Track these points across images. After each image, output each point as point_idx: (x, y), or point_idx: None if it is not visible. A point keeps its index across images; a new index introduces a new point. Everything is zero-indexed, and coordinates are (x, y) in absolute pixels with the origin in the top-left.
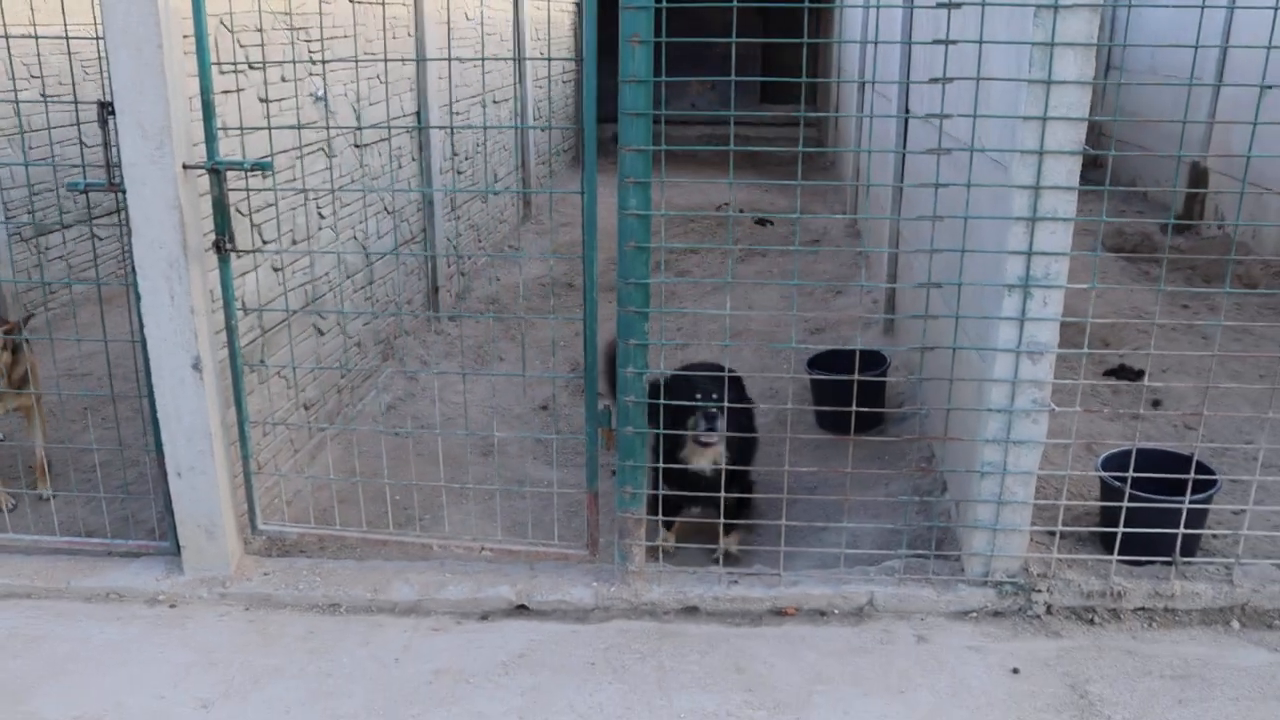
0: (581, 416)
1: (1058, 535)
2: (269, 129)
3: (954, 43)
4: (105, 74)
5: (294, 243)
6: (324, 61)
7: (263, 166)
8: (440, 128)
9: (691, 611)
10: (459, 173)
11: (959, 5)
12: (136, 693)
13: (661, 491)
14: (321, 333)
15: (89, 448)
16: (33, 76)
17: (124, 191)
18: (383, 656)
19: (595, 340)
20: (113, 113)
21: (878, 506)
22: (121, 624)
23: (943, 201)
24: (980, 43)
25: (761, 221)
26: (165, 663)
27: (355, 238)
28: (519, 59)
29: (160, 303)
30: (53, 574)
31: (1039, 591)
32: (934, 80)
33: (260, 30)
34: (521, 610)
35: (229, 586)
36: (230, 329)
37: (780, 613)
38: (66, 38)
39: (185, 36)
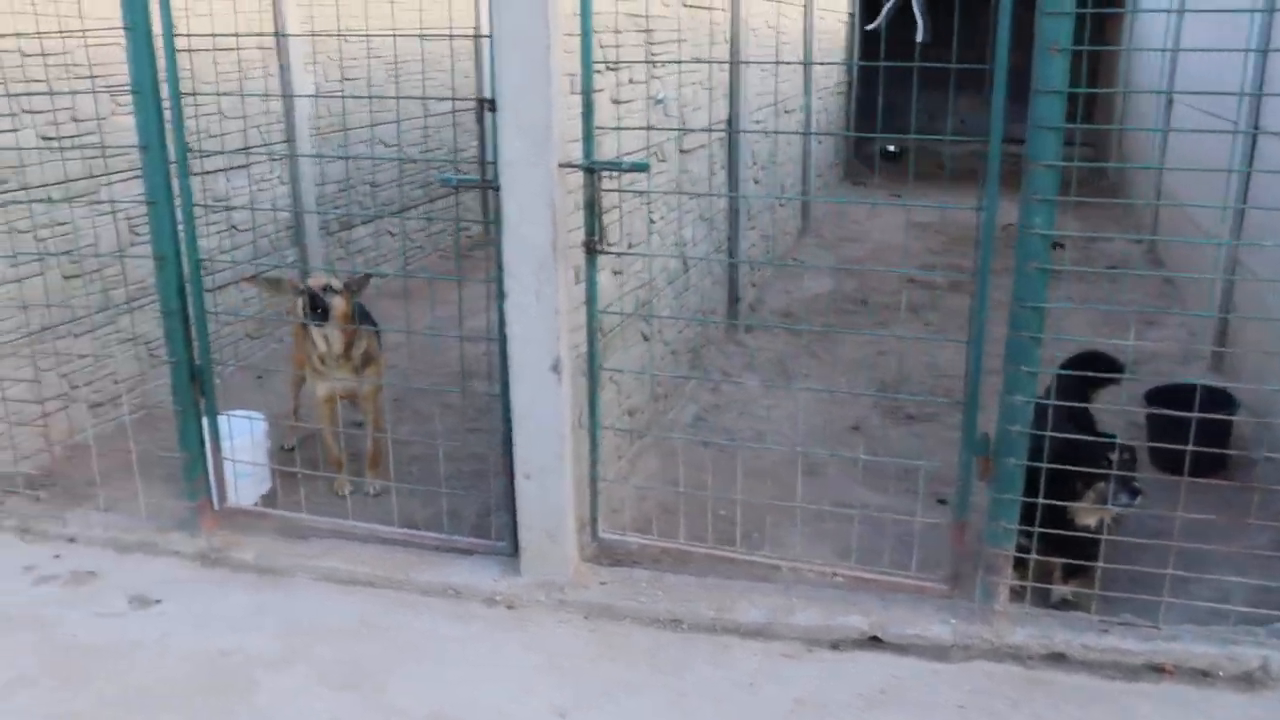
0: (894, 440)
1: None
2: (645, 129)
3: None
4: (452, 70)
5: (630, 246)
6: (679, 63)
7: (640, 167)
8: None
9: (1057, 659)
10: (756, 181)
11: None
12: (488, 692)
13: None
14: (646, 339)
15: (420, 440)
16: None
17: (496, 189)
18: (736, 680)
19: (980, 363)
20: (493, 110)
21: (1240, 559)
22: (463, 621)
23: None
24: None
25: (1055, 245)
26: (512, 665)
27: (676, 244)
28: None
29: (525, 302)
30: (391, 565)
31: None
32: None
33: (616, 32)
34: (874, 642)
35: (567, 593)
36: (591, 331)
37: (1157, 669)
38: (452, 36)
39: (567, 35)
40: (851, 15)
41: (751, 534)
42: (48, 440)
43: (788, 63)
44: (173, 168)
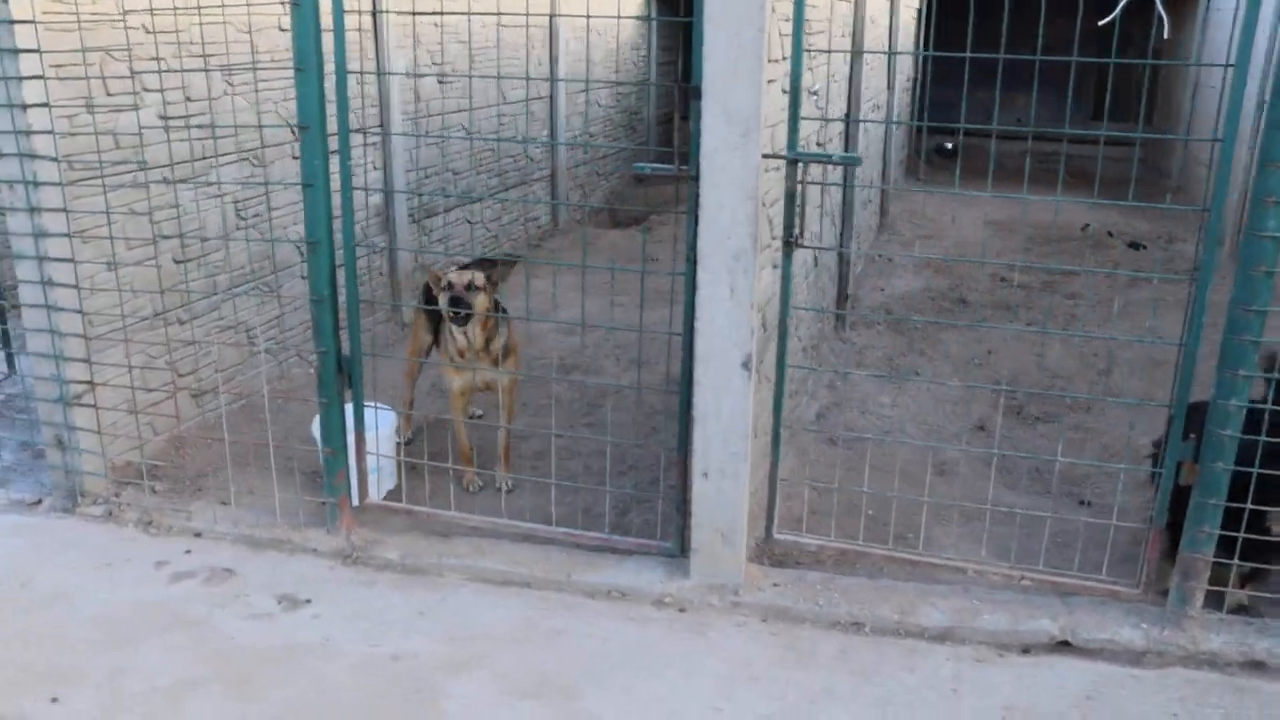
0: (1021, 440)
1: None
2: (847, 121)
3: None
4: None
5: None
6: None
7: (852, 160)
8: (876, 122)
9: (1257, 666)
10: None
11: None
12: (688, 702)
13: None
14: (791, 335)
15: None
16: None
17: (694, 179)
18: (937, 686)
19: (1193, 365)
20: (696, 97)
21: None
22: (636, 625)
23: None
24: None
25: (1135, 245)
26: (702, 671)
27: (812, 236)
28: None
29: (718, 295)
30: (549, 565)
31: None
32: None
33: (785, 19)
34: (1063, 647)
35: (740, 595)
36: (783, 328)
37: None
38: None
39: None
40: (919, 9)
41: (905, 534)
42: (154, 430)
43: (903, 53)
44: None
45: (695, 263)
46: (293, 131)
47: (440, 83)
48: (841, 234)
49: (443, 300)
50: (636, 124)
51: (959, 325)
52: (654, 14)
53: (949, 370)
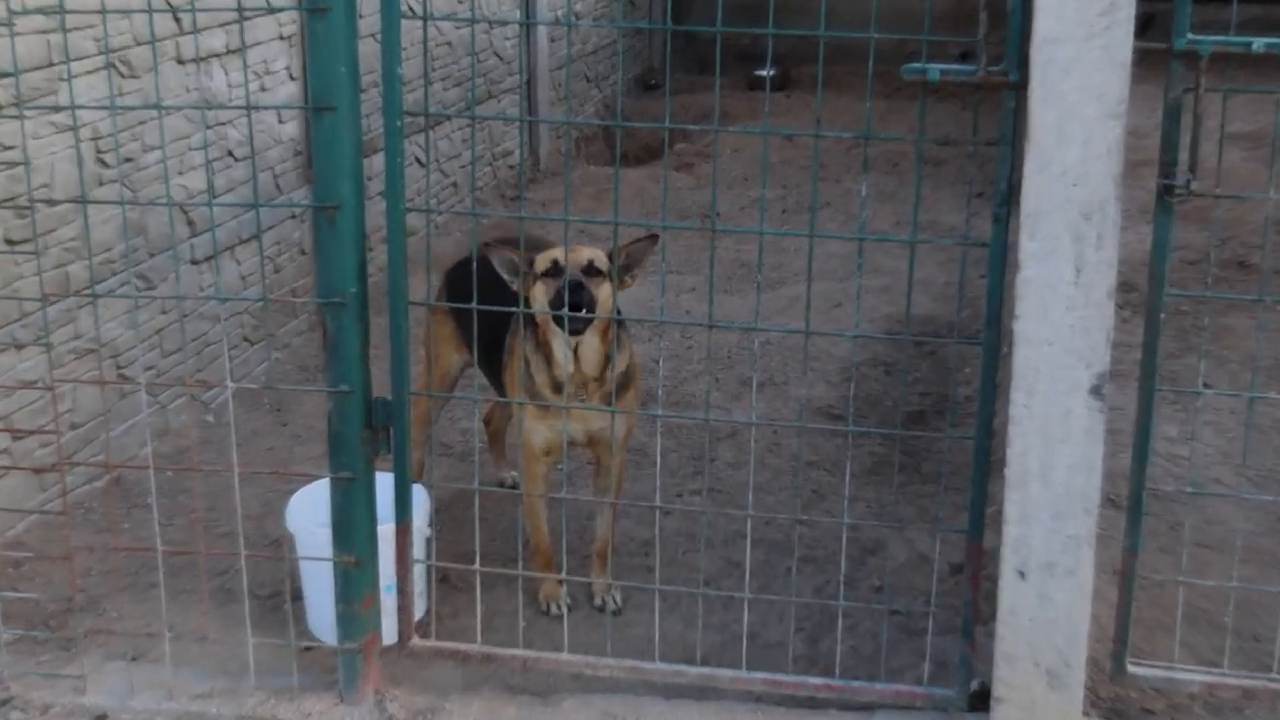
0: None
1: None
2: None
3: None
4: None
5: None
6: None
7: None
8: None
9: None
10: None
11: None
12: None
13: None
14: None
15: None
16: None
17: (1014, 87)
18: None
19: None
20: None
21: None
22: None
23: None
24: None
25: None
26: None
27: None
28: None
29: (1054, 276)
30: None
31: None
32: None
33: None
34: None
35: None
36: (1154, 322)
37: None
38: None
39: None
40: None
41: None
42: None
43: None
44: None
45: (1004, 222)
46: None
47: None
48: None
49: (543, 294)
50: None
51: (1251, 302)
52: None
53: (1260, 378)
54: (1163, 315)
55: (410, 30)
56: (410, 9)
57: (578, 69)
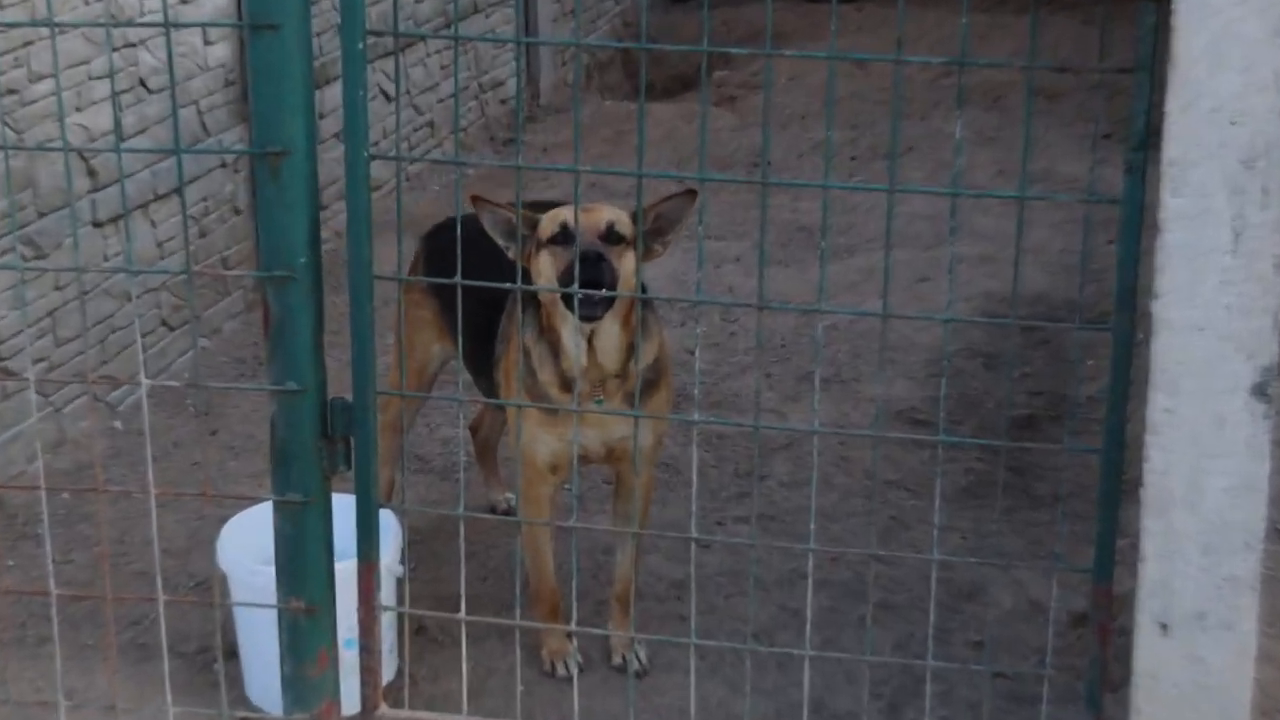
0: None
1: None
2: None
3: None
4: None
5: None
6: None
7: None
8: None
9: None
10: None
11: None
12: None
13: None
14: None
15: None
16: None
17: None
18: None
19: None
20: None
21: None
22: None
23: None
24: None
25: None
26: None
27: None
28: None
29: (1207, 241)
30: None
31: None
32: None
33: None
34: None
35: None
36: None
37: None
38: None
39: None
40: None
41: None
42: None
43: None
44: None
45: (1140, 172)
46: None
47: None
48: None
49: (549, 266)
50: None
51: None
52: None
53: None
54: None
55: None
56: None
57: None
